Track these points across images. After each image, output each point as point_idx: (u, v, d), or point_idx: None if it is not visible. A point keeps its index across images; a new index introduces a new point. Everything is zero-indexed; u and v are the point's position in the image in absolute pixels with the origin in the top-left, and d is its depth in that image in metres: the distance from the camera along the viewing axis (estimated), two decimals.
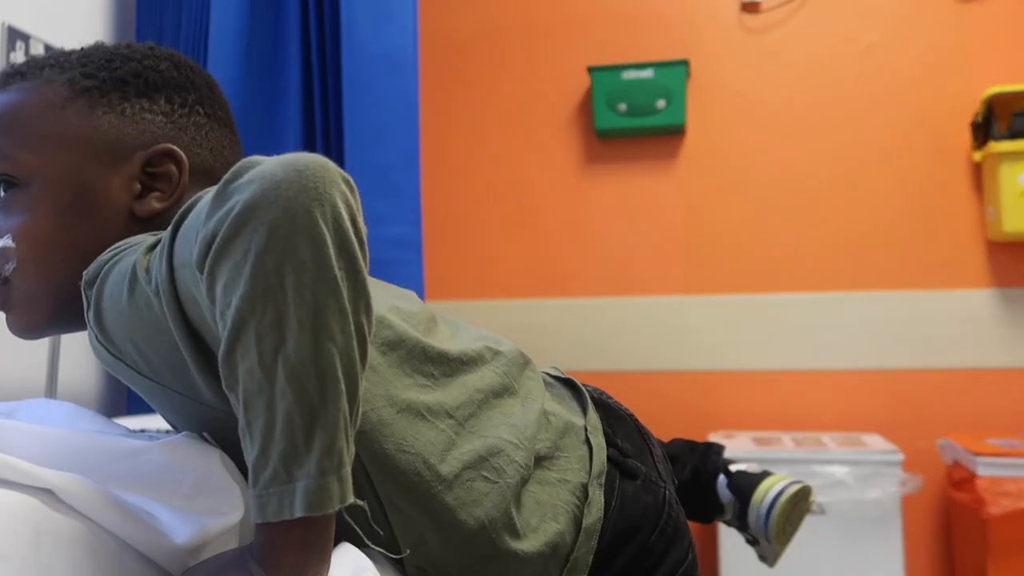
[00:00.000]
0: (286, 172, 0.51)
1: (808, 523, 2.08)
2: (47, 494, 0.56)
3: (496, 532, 0.70)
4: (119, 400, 2.09)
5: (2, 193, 0.76)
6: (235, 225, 0.51)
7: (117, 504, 0.57)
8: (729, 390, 2.55)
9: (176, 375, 0.65)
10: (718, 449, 1.05)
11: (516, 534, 0.71)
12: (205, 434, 0.68)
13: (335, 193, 0.53)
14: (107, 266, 0.67)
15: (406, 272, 1.92)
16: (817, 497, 2.08)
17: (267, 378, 0.51)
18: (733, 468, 1.07)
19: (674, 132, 2.66)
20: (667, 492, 0.81)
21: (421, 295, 2.00)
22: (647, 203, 2.68)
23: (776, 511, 1.00)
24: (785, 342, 2.53)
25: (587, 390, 0.87)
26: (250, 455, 0.52)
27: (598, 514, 0.75)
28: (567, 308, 2.66)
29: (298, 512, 0.50)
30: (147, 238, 0.68)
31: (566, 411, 0.83)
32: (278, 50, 2.13)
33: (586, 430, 0.81)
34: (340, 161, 2.04)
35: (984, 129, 2.39)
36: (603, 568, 0.75)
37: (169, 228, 0.60)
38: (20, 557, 0.51)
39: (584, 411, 0.84)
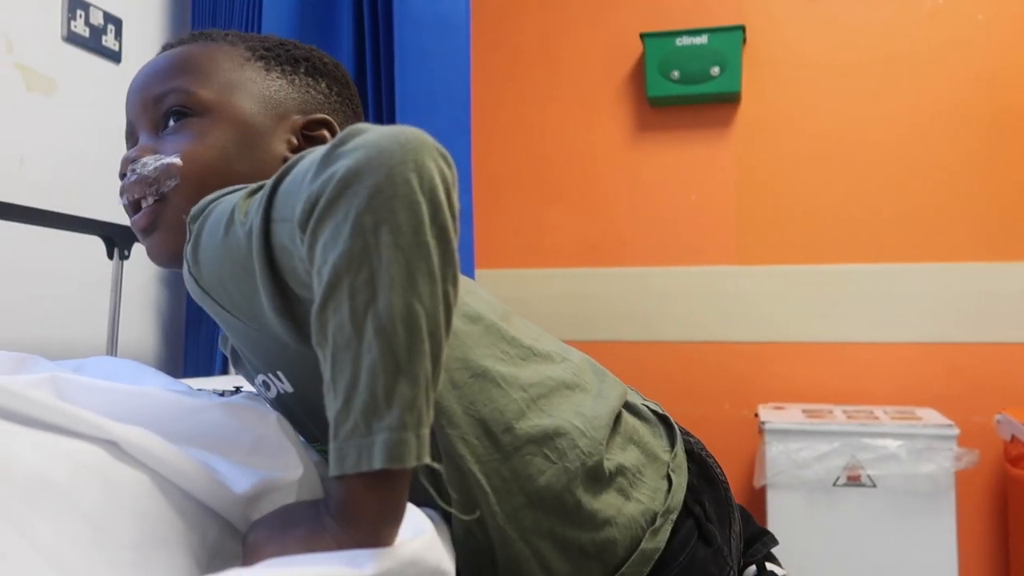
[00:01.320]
0: (389, 142, 0.54)
1: (858, 496, 2.08)
2: (113, 446, 0.58)
3: (545, 511, 0.72)
4: (176, 361, 2.15)
5: (172, 123, 0.83)
6: (339, 187, 0.53)
7: (179, 455, 0.59)
8: (780, 362, 2.52)
9: (254, 314, 0.67)
10: (768, 540, 1.01)
11: (569, 520, 0.73)
12: (269, 396, 0.70)
13: (432, 166, 0.55)
14: (211, 205, 0.70)
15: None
16: (868, 470, 2.06)
17: (356, 333, 0.52)
18: (770, 567, 1.03)
19: (728, 100, 2.62)
20: (731, 573, 0.81)
21: (471, 263, 2.01)
22: (699, 172, 2.65)
23: None
24: (838, 314, 2.50)
25: (686, 437, 0.87)
26: (332, 409, 0.53)
27: (658, 544, 0.76)
28: (618, 277, 2.65)
29: (376, 464, 0.51)
30: (252, 186, 0.71)
31: (653, 441, 0.83)
32: (331, 14, 2.13)
33: (668, 466, 0.81)
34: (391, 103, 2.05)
35: None
36: None
37: (271, 180, 0.62)
38: (89, 504, 0.53)
39: (672, 447, 0.84)
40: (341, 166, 0.54)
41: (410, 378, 0.52)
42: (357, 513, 0.54)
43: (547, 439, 0.73)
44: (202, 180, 0.79)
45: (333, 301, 0.53)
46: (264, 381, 0.77)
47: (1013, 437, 2.12)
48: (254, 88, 0.85)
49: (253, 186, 0.68)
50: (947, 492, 2.05)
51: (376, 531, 0.54)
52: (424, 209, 0.54)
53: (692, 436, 0.88)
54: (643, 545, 0.75)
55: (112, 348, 1.75)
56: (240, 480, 0.62)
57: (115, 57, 2.04)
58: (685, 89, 2.59)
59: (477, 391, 0.73)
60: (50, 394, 0.61)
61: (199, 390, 0.78)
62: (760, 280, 2.56)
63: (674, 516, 0.78)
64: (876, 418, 2.16)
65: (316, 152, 0.58)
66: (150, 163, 0.79)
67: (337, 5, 2.11)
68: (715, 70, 2.56)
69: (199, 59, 0.86)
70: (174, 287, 2.18)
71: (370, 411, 0.52)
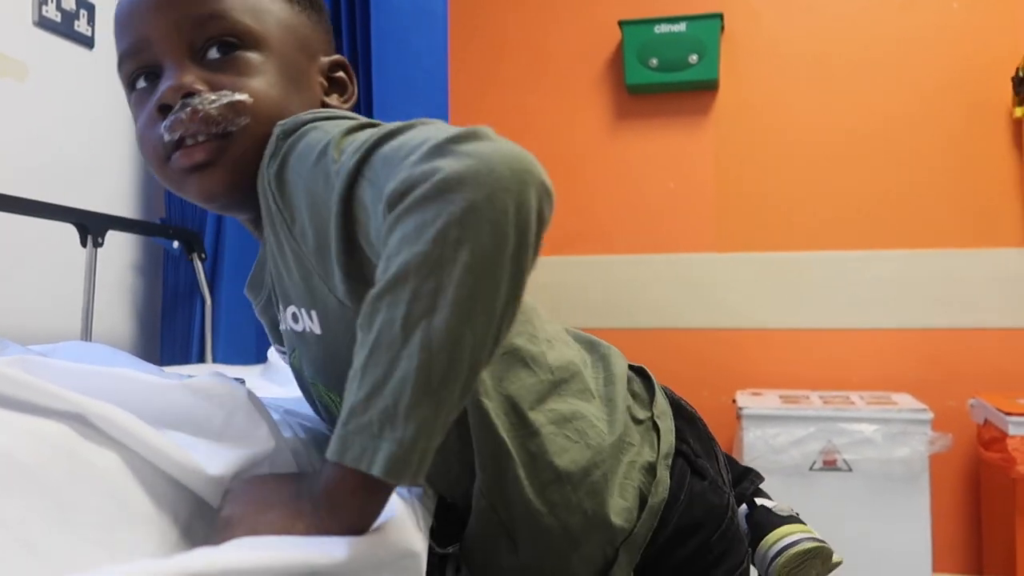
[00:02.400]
0: (502, 163, 0.53)
1: (835, 480, 2.09)
2: (80, 422, 0.57)
3: (572, 485, 0.74)
4: (152, 349, 2.13)
5: (216, 54, 0.76)
6: (438, 187, 0.52)
7: (149, 431, 0.58)
8: (758, 348, 2.54)
9: (316, 247, 0.67)
10: (754, 477, 1.02)
11: (596, 495, 0.75)
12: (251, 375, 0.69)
13: (534, 203, 0.54)
14: (307, 126, 0.69)
15: None
16: (844, 454, 2.08)
17: (403, 337, 0.51)
18: (760, 502, 1.04)
19: (707, 87, 2.62)
20: (730, 498, 0.84)
21: None
22: (678, 159, 2.65)
23: (781, 560, 0.97)
24: (815, 300, 2.51)
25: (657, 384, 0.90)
26: (352, 394, 0.53)
27: (663, 495, 0.78)
28: (596, 265, 2.66)
29: (375, 470, 0.51)
30: (347, 115, 0.70)
31: (636, 404, 0.85)
32: None
33: (652, 416, 0.84)
34: (368, 116, 2.04)
35: None
36: (663, 559, 0.78)
37: (372, 135, 0.61)
38: (54, 481, 0.53)
39: (652, 397, 0.86)
40: (448, 165, 0.52)
41: (436, 401, 0.52)
42: (341, 503, 0.54)
43: (566, 422, 0.75)
44: (270, 119, 0.74)
45: (391, 295, 0.52)
46: (294, 314, 0.75)
47: (986, 421, 2.15)
48: (289, 21, 0.81)
49: (351, 123, 0.66)
50: (921, 475, 2.07)
51: (354, 523, 0.55)
52: (511, 242, 0.53)
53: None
54: (649, 501, 0.77)
55: (87, 336, 1.73)
56: (212, 460, 0.62)
57: (88, 42, 2.01)
58: (663, 77, 2.59)
59: (506, 368, 0.74)
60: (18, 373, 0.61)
61: (172, 373, 0.78)
62: (738, 267, 2.57)
63: (668, 461, 0.80)
64: (852, 403, 2.18)
65: (428, 131, 0.57)
66: (215, 99, 0.73)
67: None
68: (693, 58, 2.56)
69: None
70: (150, 275, 2.16)
71: (387, 417, 0.51)
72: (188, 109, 0.72)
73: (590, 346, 0.88)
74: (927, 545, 2.07)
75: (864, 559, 2.08)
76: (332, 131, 0.65)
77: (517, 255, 0.53)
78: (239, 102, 0.73)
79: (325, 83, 0.84)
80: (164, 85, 0.74)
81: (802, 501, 2.08)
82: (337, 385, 0.71)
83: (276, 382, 1.29)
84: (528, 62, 2.75)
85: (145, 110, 0.76)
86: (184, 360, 2.05)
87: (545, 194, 0.55)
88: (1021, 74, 2.35)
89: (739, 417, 2.19)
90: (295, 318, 0.75)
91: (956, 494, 2.38)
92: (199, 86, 0.73)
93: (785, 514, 1.00)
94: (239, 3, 0.77)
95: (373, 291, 0.53)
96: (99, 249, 1.77)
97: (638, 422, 0.82)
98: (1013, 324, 2.37)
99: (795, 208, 2.55)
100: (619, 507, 0.76)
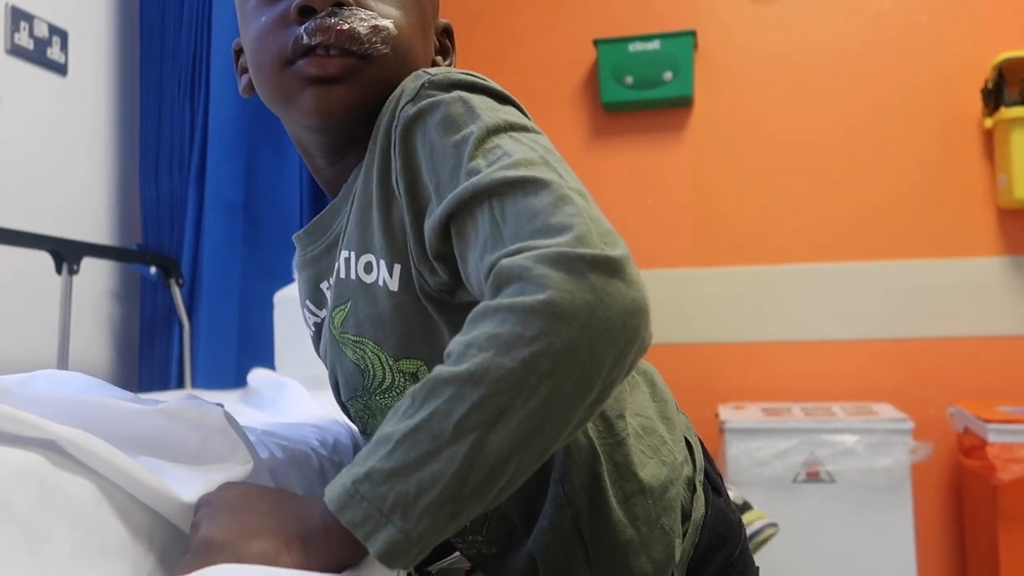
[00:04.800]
0: (621, 314, 0.51)
1: (818, 492, 2.10)
2: (53, 451, 0.57)
3: (653, 499, 0.72)
4: (131, 376, 2.11)
5: None
6: (551, 310, 0.50)
7: (123, 457, 0.57)
8: (739, 361, 2.55)
9: (416, 215, 0.65)
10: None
11: (667, 510, 0.73)
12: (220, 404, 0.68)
13: (629, 360, 0.53)
14: (456, 92, 0.65)
15: None
16: (827, 466, 2.09)
17: (453, 436, 0.50)
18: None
19: (682, 104, 2.64)
20: (737, 515, 0.83)
21: None
22: (655, 175, 2.67)
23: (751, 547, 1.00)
24: (794, 313, 2.53)
25: None
26: (375, 456, 0.51)
27: (703, 510, 0.77)
28: None
29: (370, 548, 0.50)
30: (496, 90, 0.68)
31: (676, 414, 0.85)
32: None
33: (685, 428, 0.83)
34: None
35: (995, 95, 2.37)
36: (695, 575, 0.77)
37: (522, 173, 0.57)
38: (25, 511, 0.52)
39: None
40: (570, 292, 0.50)
41: (459, 508, 0.51)
42: (329, 549, 0.53)
43: (642, 435, 0.74)
44: (404, 57, 0.72)
45: (458, 388, 0.50)
46: (369, 263, 0.70)
47: (966, 429, 2.16)
48: None
49: (500, 117, 0.63)
50: (904, 485, 2.08)
51: (339, 566, 0.54)
52: (593, 393, 0.52)
53: None
54: (693, 516, 0.76)
55: (63, 364, 1.71)
56: (188, 485, 0.61)
57: (61, 70, 2.01)
58: (639, 94, 2.61)
59: None
60: None
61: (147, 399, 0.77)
62: (718, 281, 2.58)
63: (702, 476, 0.79)
64: (833, 414, 2.19)
65: (575, 219, 0.54)
66: (367, 19, 0.69)
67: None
68: (668, 75, 2.58)
69: None
70: (127, 301, 2.15)
71: (404, 503, 0.50)
72: (336, 19, 0.68)
73: None
74: (911, 554, 2.08)
75: (849, 570, 2.08)
76: (480, 117, 0.62)
77: (593, 405, 0.53)
78: (386, 28, 0.70)
79: (437, 43, 0.81)
80: None
81: (787, 514, 2.10)
82: (390, 347, 0.69)
83: (255, 406, 1.28)
84: (504, 81, 2.74)
85: (274, 9, 0.71)
86: (163, 386, 2.03)
87: (642, 351, 0.54)
88: (990, 85, 2.38)
89: (722, 431, 2.20)
90: (368, 268, 0.70)
91: (938, 503, 2.39)
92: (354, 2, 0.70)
93: (741, 502, 1.02)
94: None
95: (439, 369, 0.52)
96: (75, 276, 1.76)
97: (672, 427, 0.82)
98: (989, 332, 2.39)
99: (772, 221, 2.57)
100: (672, 521, 0.75)
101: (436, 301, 0.67)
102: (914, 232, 2.47)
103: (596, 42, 2.63)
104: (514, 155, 0.59)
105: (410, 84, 0.67)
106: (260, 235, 2.07)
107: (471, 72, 0.69)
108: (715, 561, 0.77)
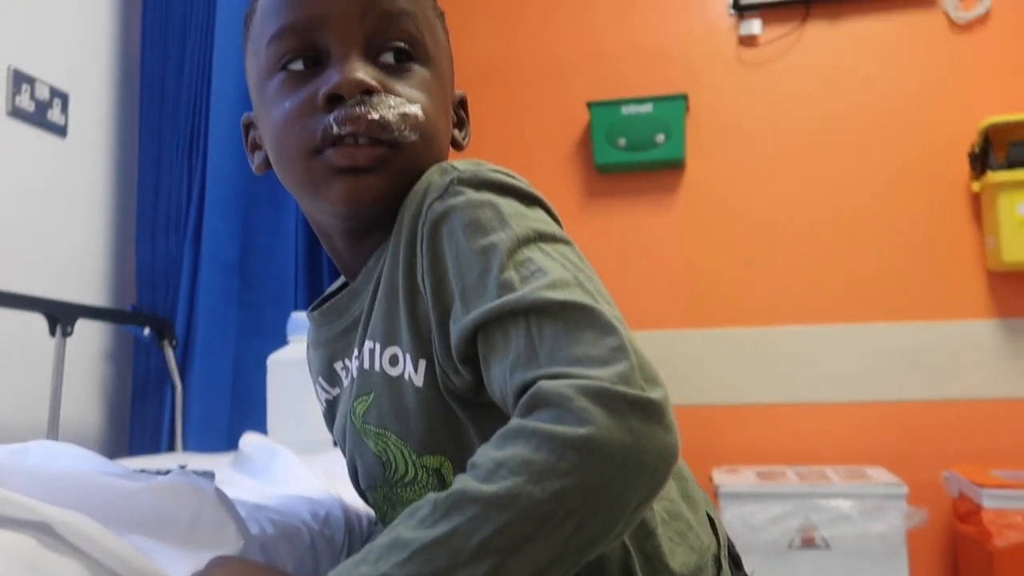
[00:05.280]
0: (655, 459, 0.51)
1: (814, 558, 2.08)
2: (43, 532, 0.56)
3: None
4: (121, 440, 2.10)
5: (391, 59, 0.72)
6: (588, 446, 0.50)
7: (114, 539, 0.57)
8: (732, 424, 2.54)
9: (441, 316, 0.64)
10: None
11: None
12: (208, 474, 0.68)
13: (651, 501, 0.53)
14: (485, 193, 0.64)
15: None
16: (822, 531, 2.07)
17: (471, 556, 0.49)
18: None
19: (674, 166, 2.68)
20: None
21: None
22: (648, 236, 2.69)
23: None
24: (787, 375, 2.53)
25: None
26: (389, 560, 0.50)
27: None
28: None
29: None
30: (525, 190, 0.66)
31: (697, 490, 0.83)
32: None
33: (706, 503, 0.81)
34: None
35: (982, 159, 2.41)
36: None
37: (559, 296, 0.57)
38: None
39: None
40: (607, 430, 0.50)
41: None
42: None
43: (668, 522, 0.72)
44: (431, 142, 0.71)
45: (483, 509, 0.49)
46: (394, 356, 0.69)
47: (961, 494, 2.15)
48: (447, 50, 0.78)
49: (530, 225, 0.62)
50: (899, 551, 2.06)
51: None
52: (615, 530, 0.52)
53: None
54: None
55: (54, 427, 1.70)
56: (178, 565, 0.61)
57: (60, 131, 2.03)
58: (631, 156, 2.65)
59: None
60: None
61: (140, 471, 0.77)
62: (710, 342, 2.59)
63: (726, 552, 0.77)
64: (828, 478, 2.18)
65: (614, 354, 0.54)
66: (395, 106, 0.68)
67: None
68: (660, 137, 2.62)
69: None
70: (120, 362, 2.14)
71: None
72: (365, 107, 0.67)
73: None
74: None
75: None
76: (509, 224, 0.62)
77: (614, 538, 0.53)
78: (414, 115, 0.69)
79: (454, 116, 0.80)
80: (339, 75, 0.68)
81: None
82: (413, 441, 0.68)
83: (247, 473, 1.27)
84: (500, 142, 2.80)
85: (299, 96, 0.70)
86: (154, 449, 2.02)
87: (662, 483, 0.53)
88: (977, 149, 2.42)
89: (716, 495, 2.18)
90: (394, 360, 0.69)
91: (934, 569, 2.36)
92: (380, 88, 0.69)
93: (750, 572, 0.99)
94: (421, 13, 0.74)
95: (470, 485, 0.51)
96: (68, 339, 1.76)
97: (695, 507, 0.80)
98: (981, 395, 2.40)
99: (764, 283, 2.59)
100: None
101: (460, 399, 0.66)
102: (905, 294, 2.49)
103: (590, 104, 2.67)
104: (549, 273, 0.59)
105: (437, 179, 0.66)
106: (255, 296, 2.07)
107: (500, 169, 0.68)
108: None
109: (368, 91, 0.68)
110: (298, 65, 0.71)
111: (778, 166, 2.63)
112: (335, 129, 0.67)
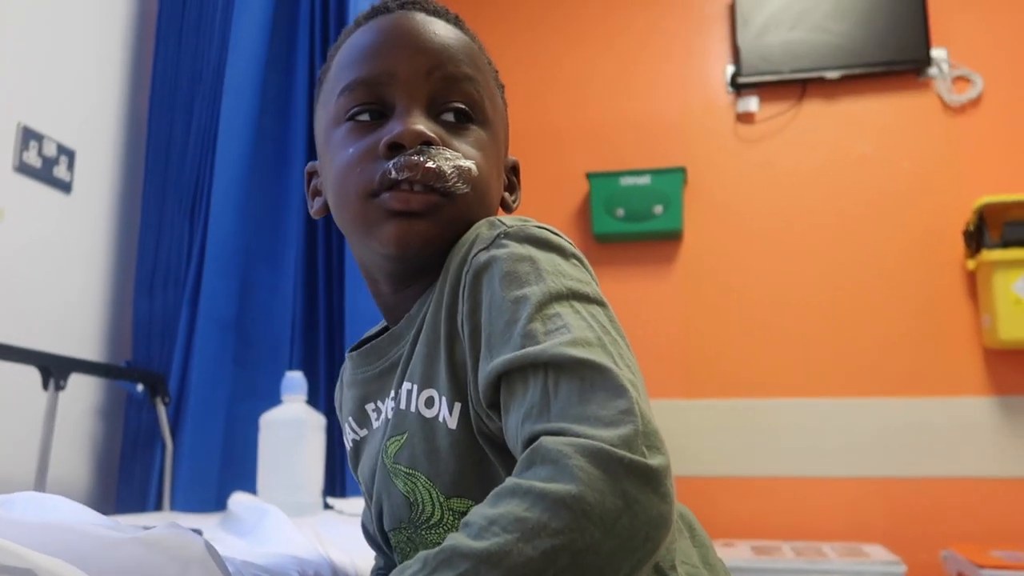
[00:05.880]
0: (647, 526, 0.51)
1: None
2: None
3: None
4: (108, 497, 2.07)
5: (451, 118, 0.76)
6: (582, 507, 0.50)
7: None
8: (728, 496, 2.51)
9: (473, 360, 0.65)
10: None
11: None
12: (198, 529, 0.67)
13: (642, 568, 0.53)
14: (528, 246, 0.66)
15: None
16: None
17: None
18: None
19: (671, 237, 2.70)
20: None
21: None
22: (645, 306, 2.70)
23: None
24: (784, 448, 2.51)
25: None
26: None
27: None
28: None
29: None
30: (565, 248, 0.68)
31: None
32: (284, 148, 2.18)
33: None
34: (340, 262, 2.07)
35: (977, 238, 2.43)
36: None
37: (580, 354, 0.58)
38: None
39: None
40: (603, 492, 0.50)
41: None
42: None
43: None
44: (482, 197, 0.75)
45: (474, 565, 0.49)
46: (430, 398, 0.71)
47: (959, 574, 2.11)
48: (504, 117, 0.84)
49: (564, 282, 0.64)
50: None
51: None
52: None
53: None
54: None
55: (41, 481, 1.68)
56: None
57: (66, 188, 2.05)
58: (630, 227, 2.67)
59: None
60: None
61: (127, 526, 0.76)
62: (707, 413, 2.58)
63: None
64: (824, 555, 2.14)
65: (621, 418, 0.54)
66: (451, 159, 0.73)
67: (290, 144, 2.17)
68: (658, 208, 2.65)
69: (480, 59, 0.81)
70: (111, 418, 2.12)
71: None
72: (423, 157, 0.71)
73: None
74: None
75: None
76: (544, 280, 0.63)
77: None
78: (469, 169, 0.73)
79: (506, 180, 0.84)
80: (402, 126, 0.73)
81: None
82: (443, 483, 0.70)
83: (236, 533, 1.25)
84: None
85: (362, 143, 0.75)
86: (141, 507, 1.98)
87: (653, 556, 0.54)
88: (971, 228, 2.45)
89: None
90: (429, 403, 0.71)
91: None
92: (439, 141, 0.73)
93: None
94: (483, 80, 0.79)
95: (461, 542, 0.51)
96: (61, 392, 1.75)
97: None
98: (979, 473, 2.38)
99: (761, 355, 2.59)
100: None
101: (493, 442, 0.67)
102: (902, 370, 2.49)
103: (589, 175, 2.71)
104: (573, 331, 0.59)
105: (485, 232, 0.69)
106: (250, 354, 2.06)
107: (545, 226, 0.70)
108: None
109: (427, 142, 0.72)
110: (365, 117, 0.76)
111: (774, 240, 2.66)
112: (393, 174, 0.71)
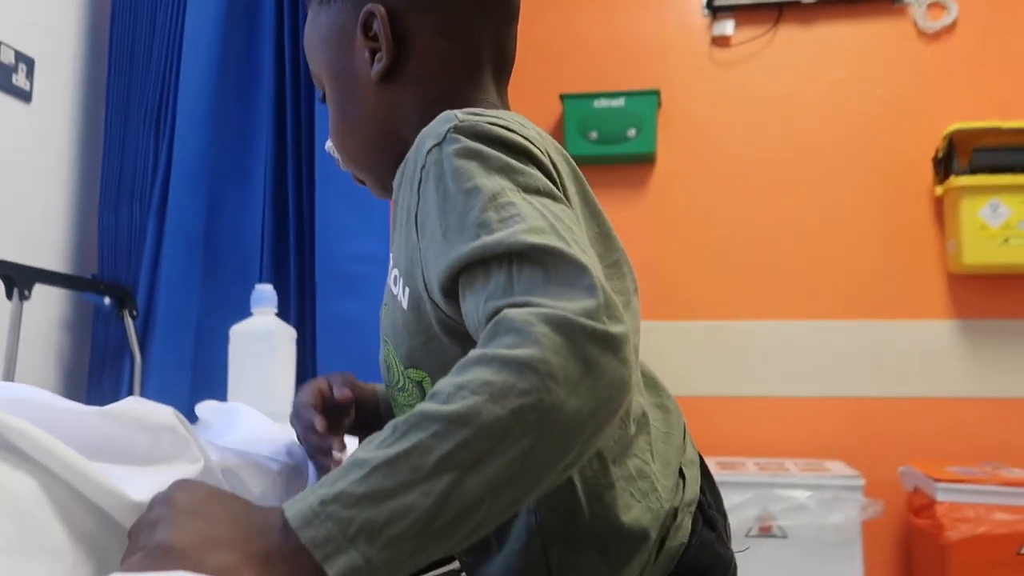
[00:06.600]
0: (610, 388, 0.53)
1: (770, 546, 2.09)
2: None
3: (631, 544, 0.71)
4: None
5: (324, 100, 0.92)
6: (548, 370, 0.52)
7: (71, 451, 0.56)
8: (694, 416, 2.53)
9: (428, 253, 0.67)
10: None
11: (641, 548, 0.72)
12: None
13: (604, 431, 0.55)
14: (476, 143, 0.67)
15: (370, 288, 1.92)
16: (779, 521, 2.09)
17: (431, 472, 0.50)
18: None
19: (644, 160, 2.69)
20: (734, 555, 0.82)
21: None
22: (617, 229, 2.67)
23: None
24: (750, 369, 2.55)
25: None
26: (347, 479, 0.50)
27: (682, 539, 0.75)
28: None
29: (328, 570, 0.48)
30: (513, 137, 0.68)
31: (670, 450, 0.83)
32: (251, 63, 2.13)
33: (682, 463, 0.81)
34: (311, 177, 2.04)
35: (945, 164, 2.45)
36: None
37: (538, 240, 0.59)
38: None
39: (684, 442, 0.85)
40: (559, 350, 0.52)
41: (423, 544, 0.50)
42: (284, 569, 0.50)
43: (635, 479, 0.73)
44: (350, 146, 0.90)
45: (444, 426, 0.50)
46: (395, 277, 0.77)
47: (916, 488, 2.18)
48: (327, 36, 0.92)
49: (521, 178, 0.65)
50: (854, 542, 2.09)
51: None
52: (568, 457, 0.53)
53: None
54: (667, 544, 0.74)
55: None
56: (139, 485, 0.59)
57: (26, 97, 1.99)
58: (603, 149, 2.66)
59: None
60: None
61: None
62: (676, 335, 2.60)
63: (693, 508, 0.78)
64: (786, 470, 2.20)
65: (584, 285, 0.56)
66: (330, 149, 0.93)
67: (258, 54, 2.12)
68: (631, 132, 2.63)
69: (313, 33, 0.92)
70: (78, 332, 2.10)
71: (370, 530, 0.49)
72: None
73: (654, 389, 0.87)
74: None
75: None
76: (494, 172, 0.65)
77: (567, 468, 0.54)
78: (331, 150, 0.90)
79: (368, 54, 0.83)
80: None
81: (740, 569, 2.08)
82: (401, 354, 0.76)
83: (210, 438, 1.25)
84: None
85: None
86: None
87: (615, 417, 0.55)
88: (940, 155, 2.47)
89: None
90: (395, 281, 0.76)
91: (888, 560, 2.39)
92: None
93: None
94: (316, 56, 0.88)
95: (429, 407, 0.52)
96: (25, 303, 1.72)
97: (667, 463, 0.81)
98: (939, 394, 2.44)
99: (729, 278, 2.61)
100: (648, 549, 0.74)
101: (448, 327, 0.70)
102: (868, 293, 2.53)
103: (562, 96, 2.68)
104: (527, 219, 0.61)
105: (436, 127, 0.70)
106: (219, 269, 2.04)
107: (499, 121, 0.69)
108: None
109: None
110: None
111: (746, 164, 2.66)
112: None
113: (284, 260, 2.08)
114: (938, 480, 2.02)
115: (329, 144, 0.89)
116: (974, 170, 2.38)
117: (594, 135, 2.65)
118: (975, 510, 1.97)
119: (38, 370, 1.99)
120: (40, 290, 1.82)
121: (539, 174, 0.67)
